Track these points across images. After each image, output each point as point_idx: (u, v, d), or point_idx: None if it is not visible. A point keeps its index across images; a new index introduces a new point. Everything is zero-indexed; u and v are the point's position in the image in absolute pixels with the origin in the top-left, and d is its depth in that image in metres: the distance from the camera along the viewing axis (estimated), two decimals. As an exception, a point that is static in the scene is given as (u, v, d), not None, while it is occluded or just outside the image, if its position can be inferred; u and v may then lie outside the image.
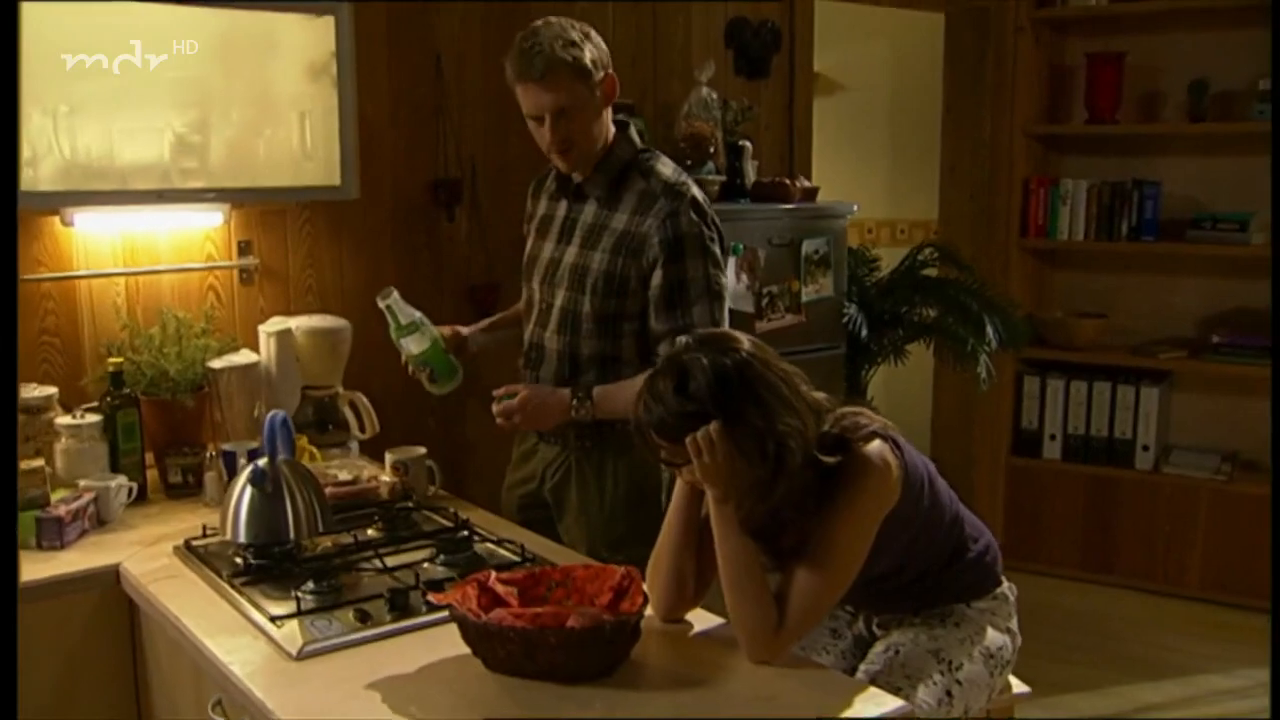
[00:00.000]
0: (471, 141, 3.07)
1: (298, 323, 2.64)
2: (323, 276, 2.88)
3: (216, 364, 2.49)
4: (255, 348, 2.65)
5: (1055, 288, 4.66)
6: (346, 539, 2.10)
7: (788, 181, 3.16)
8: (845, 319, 3.28)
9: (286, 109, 2.46)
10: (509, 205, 2.48)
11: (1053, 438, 4.52)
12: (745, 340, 1.72)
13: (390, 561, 1.98)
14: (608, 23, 3.29)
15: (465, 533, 2.11)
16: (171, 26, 2.28)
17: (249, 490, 2.00)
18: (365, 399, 2.67)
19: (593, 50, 2.12)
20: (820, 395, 1.77)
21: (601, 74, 2.13)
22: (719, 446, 1.62)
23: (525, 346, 2.36)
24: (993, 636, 1.92)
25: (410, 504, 2.30)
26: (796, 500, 1.69)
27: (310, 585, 1.86)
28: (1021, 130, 4.43)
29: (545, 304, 2.29)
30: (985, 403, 4.42)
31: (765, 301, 3.01)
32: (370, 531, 2.17)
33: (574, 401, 2.18)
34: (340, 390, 2.69)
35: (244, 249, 2.74)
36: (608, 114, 2.19)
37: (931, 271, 3.75)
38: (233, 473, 2.36)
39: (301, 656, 1.64)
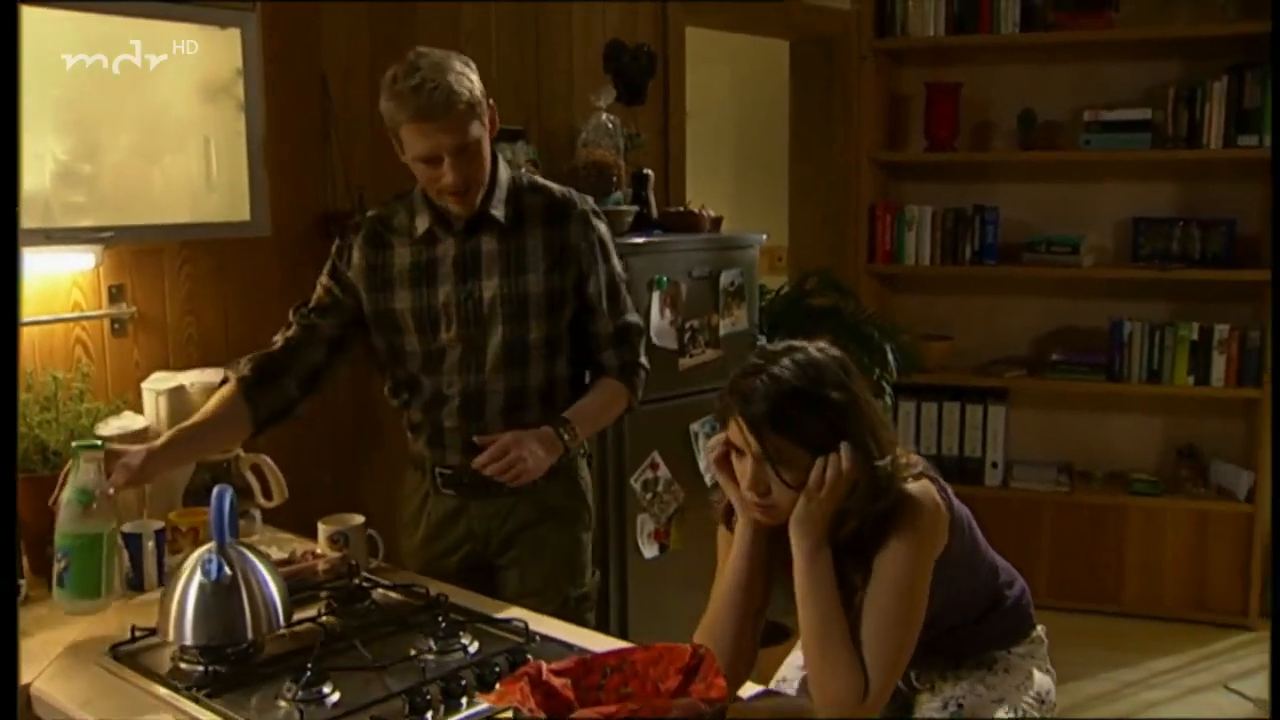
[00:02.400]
0: (359, 170, 2.80)
1: (191, 379, 2.31)
2: (205, 325, 2.54)
3: (107, 430, 2.13)
4: (135, 409, 2.29)
5: (901, 311, 4.77)
6: (306, 629, 1.82)
7: (697, 211, 3.05)
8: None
9: (184, 134, 2.13)
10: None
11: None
12: None
13: (374, 653, 1.71)
14: (490, 47, 3.10)
15: (445, 614, 1.86)
16: (52, 38, 1.93)
17: (198, 583, 1.70)
18: (271, 462, 2.36)
19: (477, 80, 1.99)
20: None
21: (487, 105, 2.01)
22: (847, 475, 1.47)
23: (450, 399, 2.12)
24: (1039, 679, 1.87)
25: (357, 581, 2.03)
26: (853, 543, 1.57)
27: (297, 692, 1.58)
28: (867, 157, 4.51)
29: (471, 346, 2.09)
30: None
31: (687, 337, 2.89)
32: (323, 617, 1.89)
33: (560, 434, 2.07)
34: (241, 453, 2.36)
35: (115, 295, 2.38)
36: (492, 135, 2.06)
37: (820, 300, 3.74)
38: (137, 560, 2.03)
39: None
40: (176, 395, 2.27)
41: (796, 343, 1.60)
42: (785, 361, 1.55)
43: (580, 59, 3.35)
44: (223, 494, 1.76)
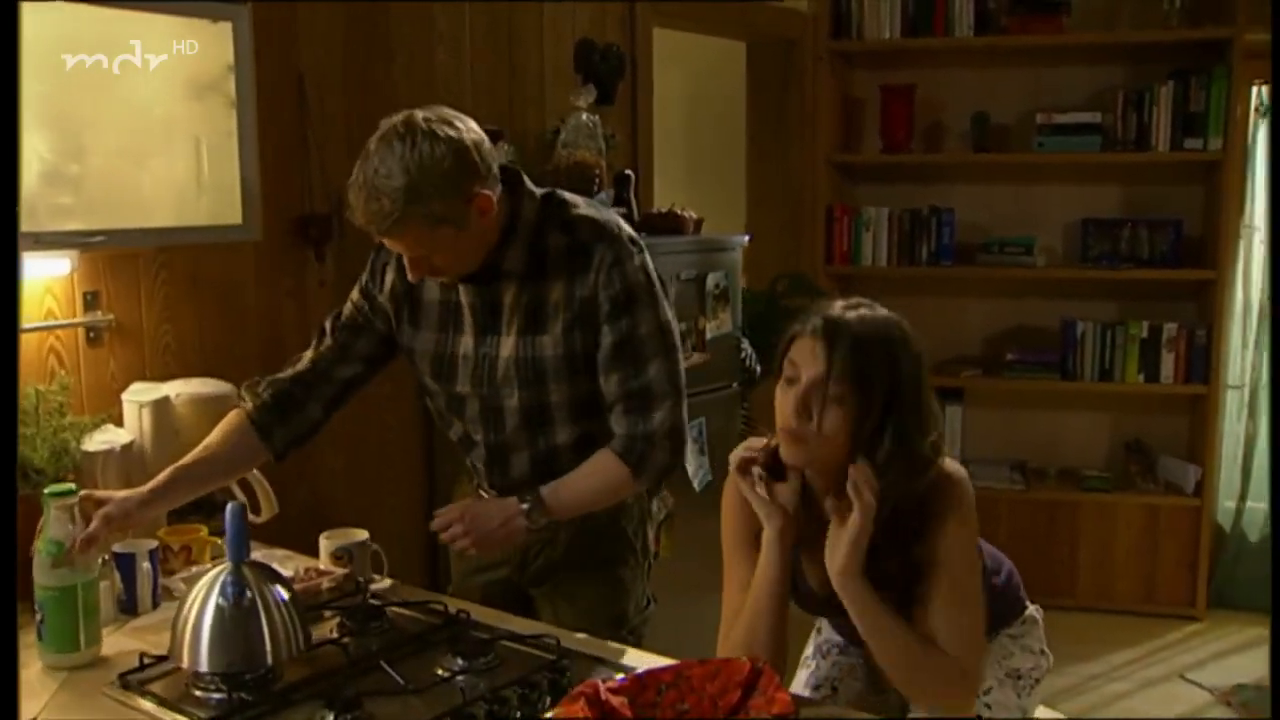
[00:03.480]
0: (336, 174, 2.70)
1: (176, 389, 2.20)
2: (182, 333, 2.43)
3: (92, 446, 2.02)
4: (115, 422, 2.18)
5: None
6: (322, 652, 1.74)
7: (679, 212, 3.01)
8: (743, 355, 3.18)
9: (173, 134, 2.03)
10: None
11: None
12: None
13: (400, 675, 1.64)
14: (464, 47, 3.04)
15: (468, 631, 1.79)
16: (52, 38, 1.82)
17: (215, 605, 1.61)
18: (260, 475, 2.26)
19: (451, 181, 1.70)
20: None
21: (467, 198, 1.73)
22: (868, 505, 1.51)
23: (476, 445, 1.99)
24: (1021, 658, 1.91)
25: (371, 599, 1.95)
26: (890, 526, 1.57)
27: (332, 718, 1.51)
28: (824, 159, 4.53)
29: (489, 407, 1.93)
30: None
31: (676, 341, 2.85)
32: (343, 639, 1.81)
33: (524, 511, 1.86)
34: (228, 467, 2.26)
35: (91, 302, 2.26)
36: (490, 216, 1.79)
37: (792, 302, 3.73)
38: (130, 581, 1.93)
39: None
40: (161, 407, 2.16)
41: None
42: (881, 313, 1.58)
43: (551, 60, 3.29)
44: (237, 511, 1.68)
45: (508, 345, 1.89)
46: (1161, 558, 4.41)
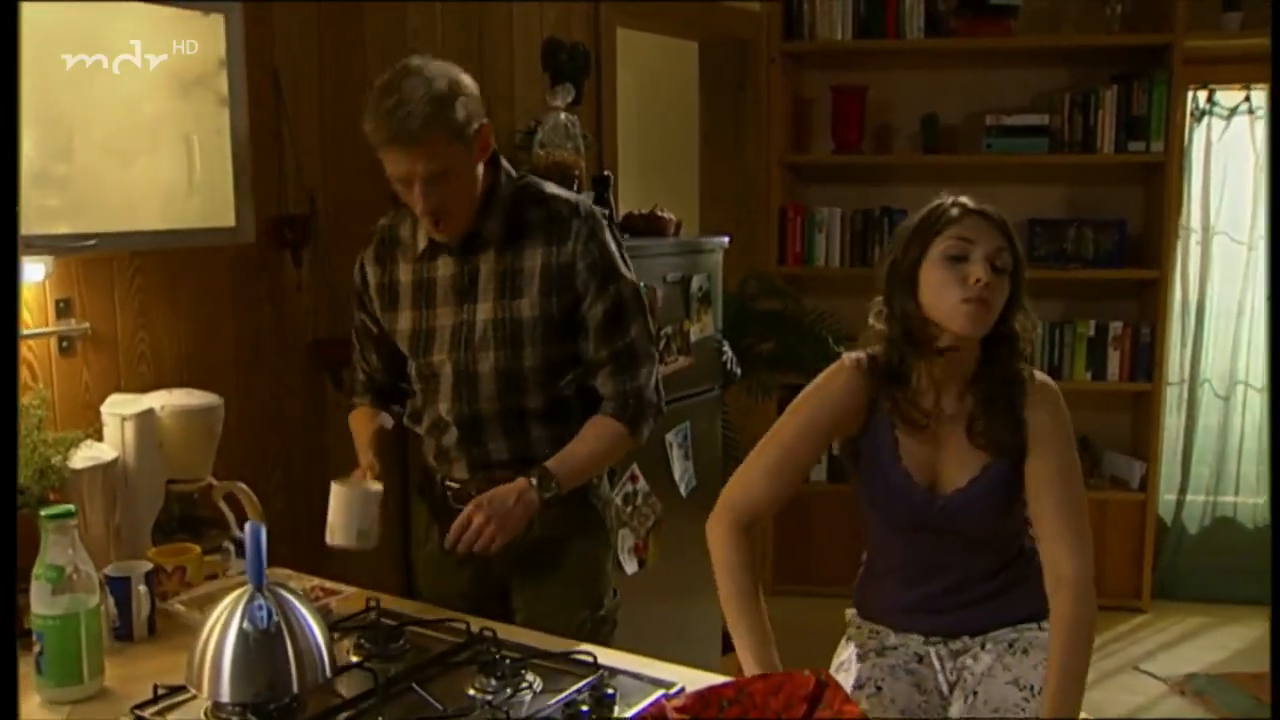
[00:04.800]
0: (312, 173, 2.61)
1: (160, 401, 2.09)
2: (157, 342, 2.31)
3: (78, 463, 1.90)
4: (95, 436, 2.06)
5: (811, 314, 4.78)
6: (345, 677, 1.66)
7: (660, 214, 2.97)
8: (724, 358, 3.14)
9: (162, 133, 1.92)
10: (355, 247, 2.11)
11: (819, 460, 4.64)
12: None
13: (432, 694, 1.57)
14: (437, 46, 2.95)
15: (498, 650, 1.72)
16: (52, 38, 1.71)
17: (238, 631, 1.52)
18: (248, 489, 2.16)
19: (465, 102, 1.87)
20: None
21: (476, 126, 1.89)
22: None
23: (448, 425, 2.04)
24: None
25: (385, 619, 1.87)
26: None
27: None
28: (777, 160, 4.52)
29: (465, 372, 2.01)
30: (751, 430, 4.45)
31: (663, 344, 2.80)
32: (353, 658, 1.74)
33: (534, 485, 1.95)
34: (214, 481, 2.16)
35: (63, 310, 2.13)
36: (487, 154, 1.95)
37: (762, 303, 3.71)
38: (124, 607, 1.82)
39: None
40: (145, 420, 2.05)
41: None
42: None
43: (520, 58, 3.22)
44: (256, 530, 1.58)
45: (486, 310, 1.98)
46: (1109, 551, 4.50)
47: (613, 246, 2.02)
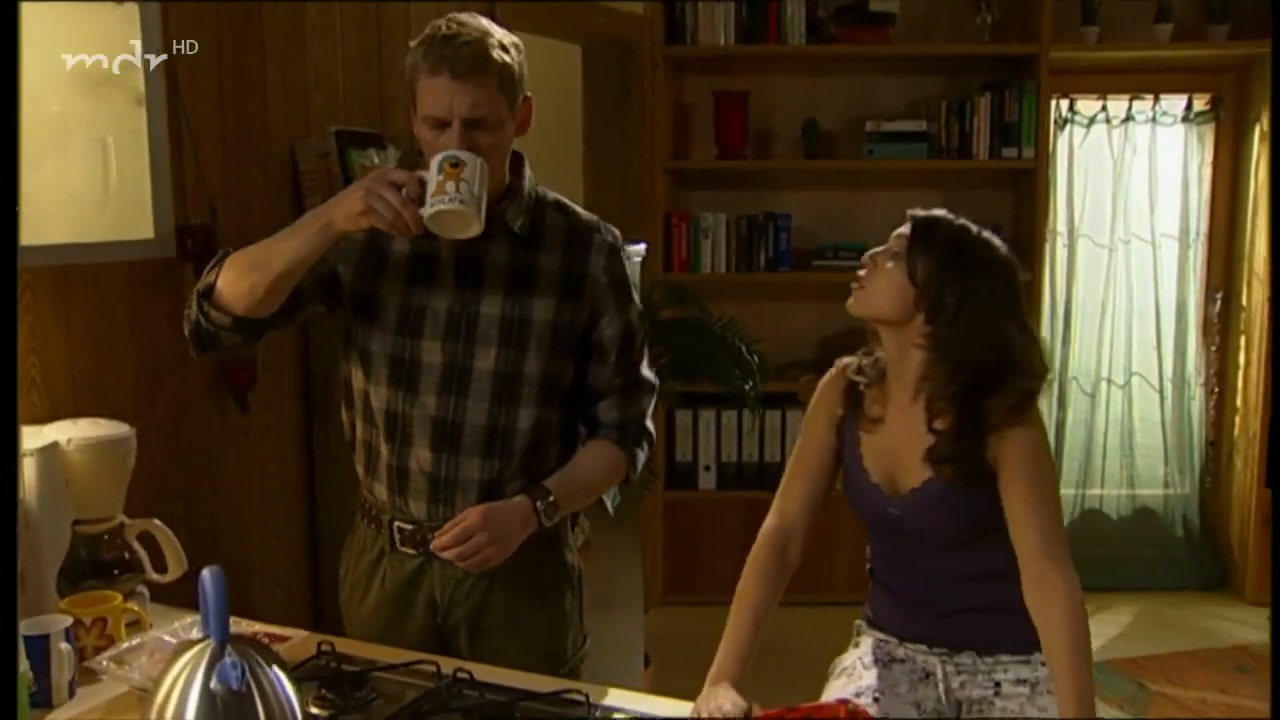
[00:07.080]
0: (213, 179, 2.40)
1: (66, 434, 1.87)
2: (49, 367, 2.08)
3: (-20, 509, 1.68)
4: (-15, 475, 1.83)
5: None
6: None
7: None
8: (644, 369, 3.05)
9: (72, 135, 1.71)
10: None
11: (707, 468, 4.61)
12: None
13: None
14: (336, 44, 2.79)
15: (480, 694, 1.59)
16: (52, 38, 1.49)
17: (199, 693, 1.36)
18: (164, 527, 1.97)
19: (521, 65, 1.77)
20: None
21: (523, 95, 1.79)
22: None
23: (421, 428, 1.83)
24: None
25: (343, 665, 1.72)
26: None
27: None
28: (661, 165, 4.47)
29: (456, 366, 1.81)
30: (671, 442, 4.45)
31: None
32: (315, 711, 1.58)
33: (538, 509, 1.81)
34: (126, 520, 1.95)
35: (-55, 334, 1.89)
36: (524, 129, 1.83)
37: (668, 311, 3.63)
38: (41, 669, 1.62)
39: None
40: (48, 456, 1.83)
41: None
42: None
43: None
44: (217, 576, 1.41)
45: (494, 302, 1.82)
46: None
47: (629, 274, 1.94)
